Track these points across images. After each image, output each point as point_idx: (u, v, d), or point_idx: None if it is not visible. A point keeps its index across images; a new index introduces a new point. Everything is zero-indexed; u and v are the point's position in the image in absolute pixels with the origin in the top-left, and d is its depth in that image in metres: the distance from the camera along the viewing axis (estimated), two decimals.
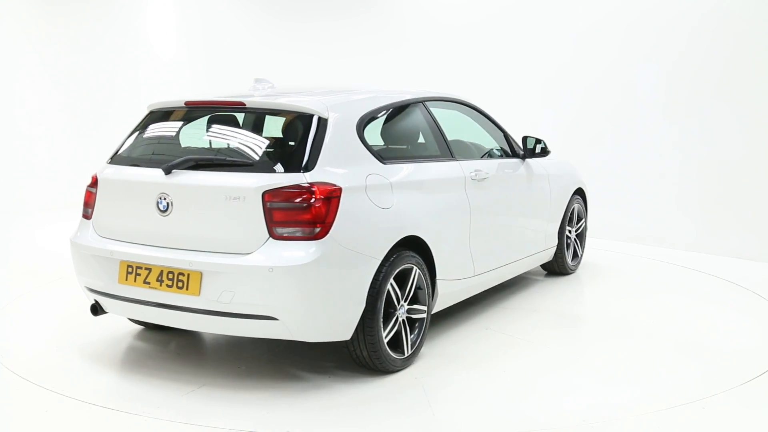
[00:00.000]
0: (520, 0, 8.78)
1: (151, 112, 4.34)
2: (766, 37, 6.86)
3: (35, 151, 10.14)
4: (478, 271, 4.77)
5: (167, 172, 3.79)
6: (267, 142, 3.92)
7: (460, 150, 5.18)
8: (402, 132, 4.66)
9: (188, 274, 3.64)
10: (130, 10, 11.08)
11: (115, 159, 4.21)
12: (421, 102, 4.72)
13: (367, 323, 3.76)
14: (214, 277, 3.58)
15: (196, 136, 4.14)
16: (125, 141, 4.30)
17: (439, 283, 4.30)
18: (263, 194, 3.54)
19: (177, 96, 4.40)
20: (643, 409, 3.54)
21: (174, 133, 4.17)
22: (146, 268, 3.77)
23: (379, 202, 3.86)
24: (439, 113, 5.01)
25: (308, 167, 3.64)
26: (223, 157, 3.86)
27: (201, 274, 3.61)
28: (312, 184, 3.57)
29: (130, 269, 3.83)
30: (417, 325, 4.14)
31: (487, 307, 5.23)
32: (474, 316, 5.02)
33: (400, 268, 3.94)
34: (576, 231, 6.25)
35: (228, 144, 4.02)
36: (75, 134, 10.59)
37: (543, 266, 6.13)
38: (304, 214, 3.53)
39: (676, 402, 3.61)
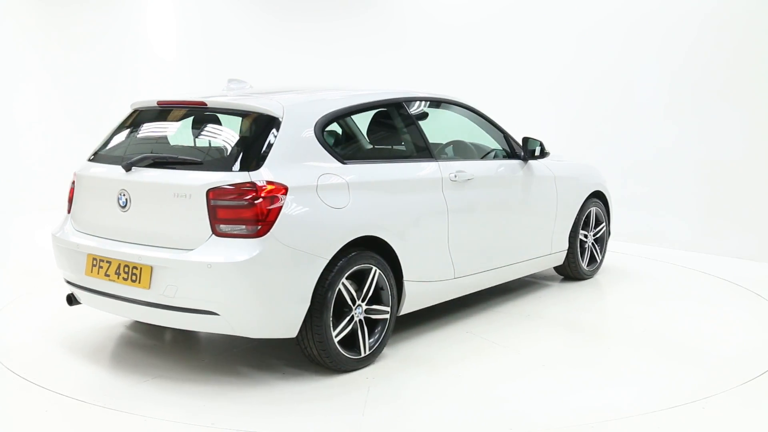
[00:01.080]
0: (518, 2, 8.78)
1: (133, 111, 4.47)
2: (766, 37, 6.86)
3: (35, 151, 10.13)
4: (459, 273, 4.71)
5: (127, 169, 3.96)
6: (221, 141, 4.04)
7: (459, 151, 5.18)
8: (372, 132, 4.71)
9: (141, 268, 3.78)
10: (130, 10, 11.08)
11: (95, 156, 4.37)
12: (400, 102, 4.68)
13: (315, 321, 3.78)
14: (161, 271, 3.70)
15: (162, 134, 4.30)
16: (105, 139, 4.46)
17: (406, 284, 4.27)
18: (207, 192, 3.64)
19: (174, 95, 4.49)
20: (643, 409, 3.54)
21: (145, 132, 4.31)
22: (107, 261, 3.94)
23: (331, 201, 3.87)
24: (435, 114, 5.04)
25: (255, 166, 3.70)
26: (175, 156, 3.96)
27: (151, 268, 3.74)
28: (255, 183, 3.64)
29: (94, 262, 4.01)
30: (379, 325, 4.14)
31: (477, 311, 5.15)
32: (459, 319, 4.95)
33: (356, 268, 3.95)
34: (594, 235, 6.06)
35: (185, 143, 4.14)
36: (75, 134, 10.58)
37: (558, 271, 6.03)
38: (245, 212, 3.60)
39: (676, 402, 3.61)
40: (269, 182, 3.66)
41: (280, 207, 3.65)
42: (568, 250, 5.80)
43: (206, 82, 11.07)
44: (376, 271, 4.05)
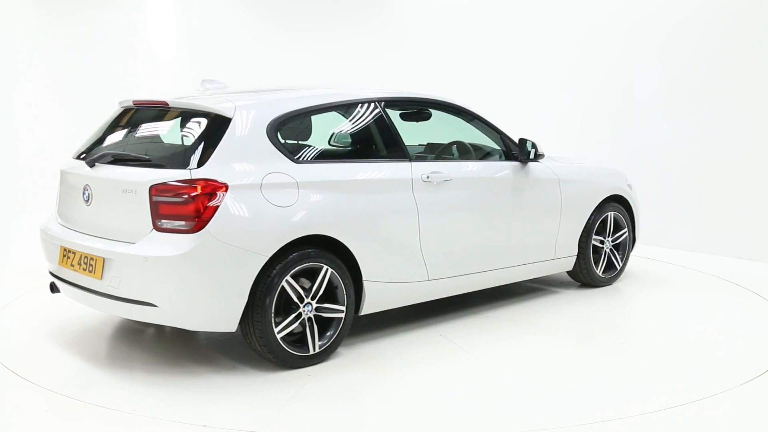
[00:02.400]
0: (520, 2, 8.78)
1: (119, 110, 4.62)
2: (766, 37, 6.86)
3: (35, 151, 10.13)
4: (434, 276, 4.66)
5: (90, 166, 4.21)
6: (174, 140, 4.16)
7: (461, 151, 5.16)
8: (336, 132, 4.72)
9: (96, 260, 3.98)
10: (130, 10, 11.07)
11: (79, 154, 4.52)
12: (374, 102, 4.67)
13: (256, 317, 3.86)
14: (109, 263, 3.89)
15: (129, 133, 4.45)
16: (90, 136, 4.62)
17: (366, 285, 4.29)
18: (150, 188, 3.79)
19: (164, 95, 4.56)
20: (643, 409, 3.54)
21: (119, 130, 4.47)
22: (73, 253, 4.16)
23: (275, 200, 3.92)
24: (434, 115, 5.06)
25: (199, 164, 3.82)
26: (128, 153, 4.17)
27: (103, 260, 3.93)
28: (194, 180, 3.76)
29: (64, 253, 4.24)
30: (334, 324, 4.17)
31: (462, 315, 5.06)
32: (437, 322, 4.89)
33: (304, 266, 3.99)
34: (613, 241, 5.84)
35: (145, 141, 4.32)
36: (75, 134, 10.55)
37: (572, 277, 5.86)
38: (182, 209, 3.73)
39: (676, 402, 3.61)
40: (208, 180, 3.77)
41: (218, 204, 3.75)
42: (578, 255, 5.61)
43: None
44: (327, 270, 4.08)
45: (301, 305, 4.02)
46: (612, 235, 5.83)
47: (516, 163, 5.19)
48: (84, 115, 10.67)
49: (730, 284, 6.00)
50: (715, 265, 6.59)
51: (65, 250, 4.22)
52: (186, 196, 3.72)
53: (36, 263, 6.59)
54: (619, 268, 5.94)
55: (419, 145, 5.57)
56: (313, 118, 4.59)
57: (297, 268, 3.97)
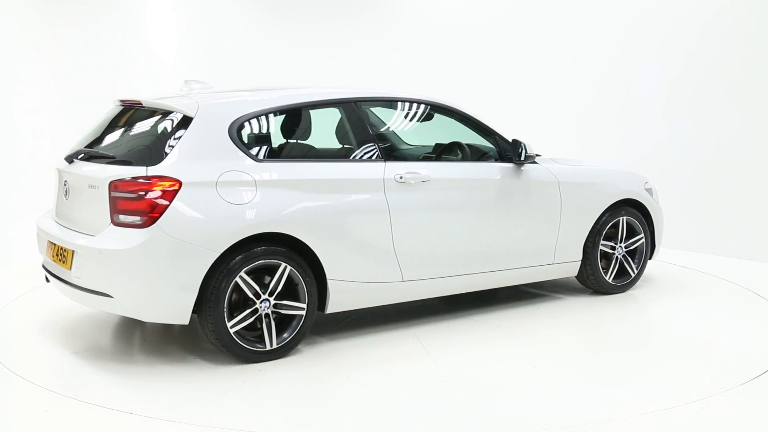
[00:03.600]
0: (521, 1, 8.78)
1: (113, 108, 4.71)
2: (766, 38, 6.86)
3: (35, 150, 10.13)
4: (410, 277, 4.63)
5: (69, 162, 4.41)
6: (140, 138, 4.32)
7: (452, 152, 5.12)
8: (305, 132, 4.73)
9: (67, 252, 4.16)
10: (130, 10, 11.07)
11: (72, 150, 4.60)
12: (347, 102, 4.68)
13: (208, 311, 3.96)
14: (76, 255, 4.09)
15: (110, 130, 4.55)
16: (83, 134, 4.74)
17: (331, 283, 4.32)
18: (110, 184, 3.95)
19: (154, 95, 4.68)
20: (643, 409, 3.54)
21: (105, 128, 4.57)
22: (53, 244, 4.35)
23: (230, 198, 4.01)
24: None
25: (156, 161, 3.96)
26: (97, 151, 4.32)
27: (73, 252, 4.11)
28: (148, 177, 3.90)
29: (49, 245, 4.43)
30: (294, 321, 4.22)
31: (444, 318, 5.00)
32: (416, 325, 4.85)
33: (260, 263, 4.06)
34: (627, 247, 5.59)
35: (116, 139, 4.43)
36: (75, 134, 10.56)
37: (583, 284, 5.62)
38: (136, 204, 3.88)
39: (676, 402, 3.61)
40: (161, 176, 3.90)
41: (170, 201, 3.87)
42: (584, 261, 5.42)
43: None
44: (286, 267, 4.13)
45: (258, 301, 4.08)
46: (625, 241, 5.58)
47: (508, 165, 5.06)
48: (84, 115, 10.67)
49: (730, 284, 6.00)
50: (715, 265, 6.59)
51: (49, 242, 4.41)
52: (139, 193, 3.87)
53: (36, 263, 6.59)
54: (633, 275, 5.66)
55: (417, 146, 5.56)
56: (282, 118, 4.63)
57: (252, 265, 4.04)
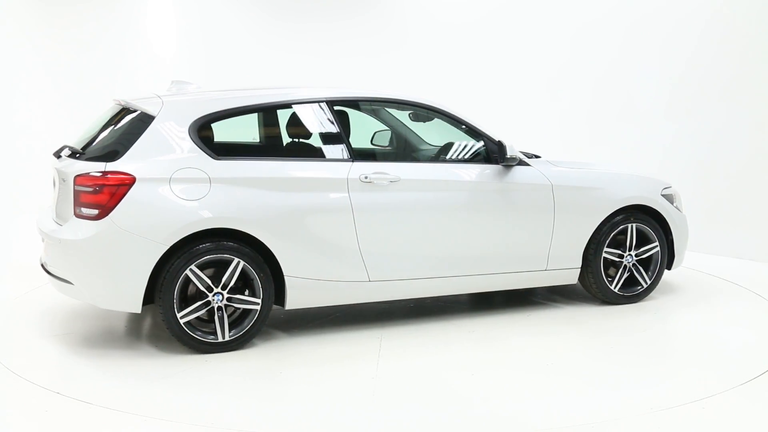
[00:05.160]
0: (523, 0, 8.78)
1: (110, 107, 4.87)
2: (766, 37, 6.86)
3: (35, 150, 10.12)
4: (376, 278, 4.61)
5: (57, 157, 4.62)
6: (110, 135, 4.47)
7: (432, 153, 5.12)
8: (271, 131, 4.84)
9: (49, 243, 4.42)
10: (130, 10, 11.07)
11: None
12: (317, 102, 4.71)
13: (159, 302, 4.18)
14: (46, 244, 4.44)
15: (96, 128, 4.69)
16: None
17: (289, 280, 4.41)
18: (74, 178, 4.19)
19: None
20: (643, 409, 3.54)
21: (96, 126, 4.74)
22: (43, 236, 4.55)
23: (183, 194, 4.18)
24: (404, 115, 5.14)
25: (116, 158, 4.18)
26: (74, 147, 4.53)
27: (47, 241, 4.41)
28: (105, 173, 4.13)
29: (41, 237, 4.61)
30: (250, 315, 4.35)
31: (422, 322, 4.93)
32: (385, 326, 4.82)
33: (212, 258, 4.22)
34: (638, 256, 5.29)
35: (96, 136, 4.56)
36: (75, 134, 10.58)
37: (590, 293, 5.36)
38: (93, 198, 4.12)
39: (676, 402, 3.61)
40: (116, 172, 4.12)
41: (122, 195, 4.08)
42: (585, 269, 5.18)
43: (205, 83, 11.06)
44: (239, 262, 4.25)
45: (210, 295, 4.22)
46: (636, 249, 5.28)
47: (492, 166, 4.91)
48: (84, 115, 10.67)
49: (730, 284, 6.00)
50: (715, 265, 6.58)
51: (40, 235, 4.66)
52: (96, 187, 4.11)
53: (36, 263, 6.59)
54: (644, 286, 5.35)
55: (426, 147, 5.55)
56: (247, 117, 4.69)
57: (202, 259, 4.20)
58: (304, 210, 4.41)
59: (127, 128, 4.38)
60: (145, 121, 4.32)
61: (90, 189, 4.12)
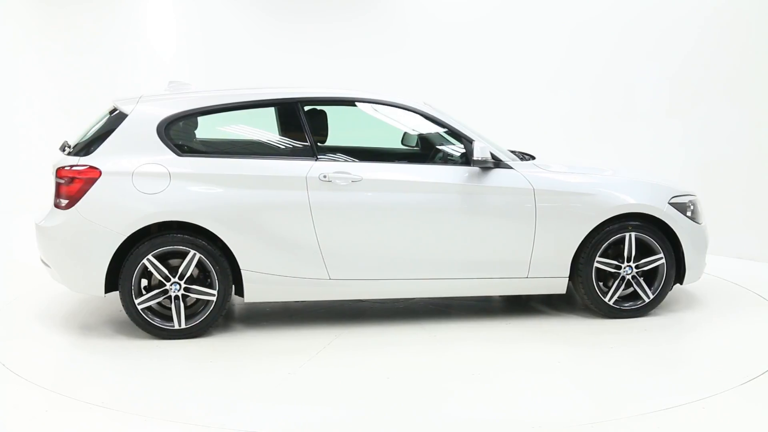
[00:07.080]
0: (523, 0, 8.78)
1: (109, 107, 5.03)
2: (766, 37, 6.86)
3: (35, 150, 10.13)
4: (337, 276, 4.64)
5: (62, 151, 4.83)
6: (95, 132, 4.73)
7: (439, 152, 5.07)
8: (239, 130, 5.02)
9: (37, 229, 4.72)
10: (130, 10, 11.07)
11: None
12: (285, 102, 4.83)
13: (120, 289, 4.49)
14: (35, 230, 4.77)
15: (93, 126, 4.90)
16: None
17: (245, 274, 4.58)
18: (56, 171, 4.58)
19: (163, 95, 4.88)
20: (643, 409, 3.53)
21: (95, 123, 4.93)
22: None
23: (144, 187, 4.47)
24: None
25: (89, 152, 4.54)
26: (67, 142, 4.85)
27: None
28: (75, 166, 4.49)
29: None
30: (206, 305, 4.56)
31: (384, 322, 4.92)
32: (347, 325, 4.83)
33: (168, 249, 4.48)
34: (638, 267, 4.95)
35: (88, 133, 4.82)
36: (75, 134, 10.57)
37: (585, 306, 5.13)
38: (65, 189, 4.48)
39: (676, 402, 3.61)
40: (87, 166, 4.46)
41: (88, 187, 4.42)
42: (575, 279, 4.93)
43: (206, 83, 11.06)
44: (195, 254, 4.49)
45: (168, 284, 4.48)
46: (636, 261, 4.94)
47: (468, 168, 4.78)
48: (84, 115, 10.67)
49: (731, 284, 6.00)
50: (715, 265, 6.58)
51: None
52: (68, 179, 4.47)
53: (36, 263, 6.60)
54: (647, 300, 5.01)
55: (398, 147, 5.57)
56: (215, 117, 4.81)
57: (159, 250, 4.48)
58: (261, 207, 4.56)
59: (105, 126, 4.69)
60: (120, 119, 4.63)
61: (64, 181, 4.48)
